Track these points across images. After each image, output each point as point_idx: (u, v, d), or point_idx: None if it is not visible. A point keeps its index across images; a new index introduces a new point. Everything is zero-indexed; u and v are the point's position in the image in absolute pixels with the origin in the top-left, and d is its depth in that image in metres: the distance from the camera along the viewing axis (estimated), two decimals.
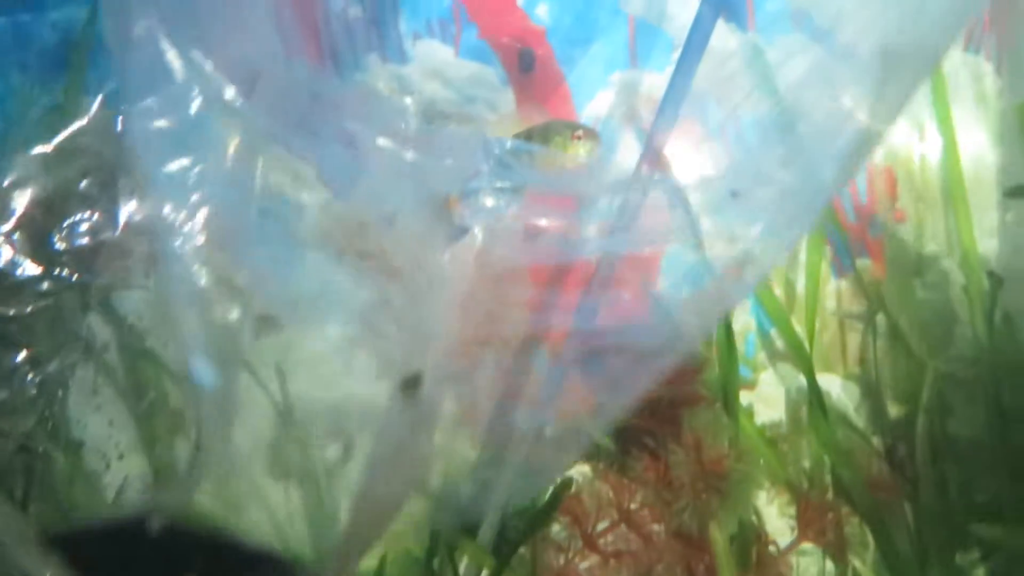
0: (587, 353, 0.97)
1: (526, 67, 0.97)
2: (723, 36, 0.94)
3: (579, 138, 0.81)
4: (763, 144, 0.92)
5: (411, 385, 0.79)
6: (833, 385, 0.98)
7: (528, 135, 0.83)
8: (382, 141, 0.68)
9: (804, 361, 0.91)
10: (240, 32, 0.69)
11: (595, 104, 1.00)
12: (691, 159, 0.97)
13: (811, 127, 0.91)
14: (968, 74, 0.95)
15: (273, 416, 0.96)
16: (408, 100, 0.93)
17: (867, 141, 0.87)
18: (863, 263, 0.98)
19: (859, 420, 0.98)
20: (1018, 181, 0.82)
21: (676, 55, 0.95)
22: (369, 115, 0.69)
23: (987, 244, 0.95)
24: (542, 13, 0.98)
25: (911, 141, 0.97)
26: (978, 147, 0.94)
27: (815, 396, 0.89)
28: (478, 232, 0.71)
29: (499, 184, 0.65)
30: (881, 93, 0.88)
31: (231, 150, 0.85)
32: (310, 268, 1.01)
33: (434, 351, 0.91)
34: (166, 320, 0.93)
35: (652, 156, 0.84)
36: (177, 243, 0.86)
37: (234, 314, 0.87)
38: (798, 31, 0.93)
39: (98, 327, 0.99)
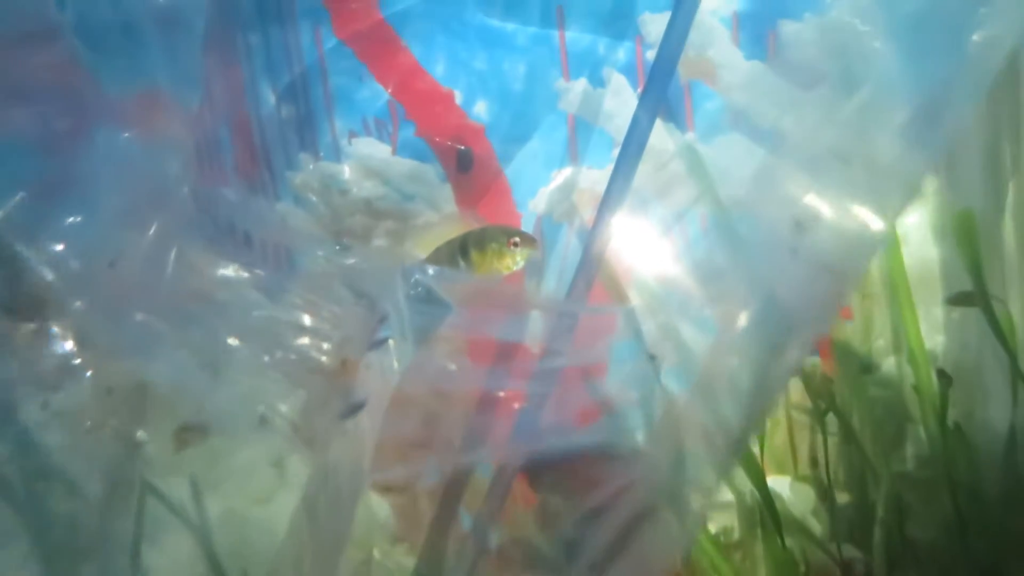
0: (533, 458, 0.93)
1: (464, 167, 0.95)
2: (662, 136, 0.93)
3: (515, 245, 0.79)
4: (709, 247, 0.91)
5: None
6: (785, 488, 0.95)
7: (464, 241, 0.81)
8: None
9: (754, 468, 0.88)
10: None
11: (536, 201, 0.98)
12: (637, 259, 0.95)
13: (753, 228, 0.90)
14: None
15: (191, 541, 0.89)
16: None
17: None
18: (812, 361, 0.96)
19: (814, 523, 0.95)
20: (960, 284, 0.81)
21: (616, 152, 0.94)
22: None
23: (935, 340, 0.94)
24: (481, 111, 0.97)
25: None
26: (921, 242, 0.94)
27: (767, 506, 0.86)
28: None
29: (418, 315, 0.62)
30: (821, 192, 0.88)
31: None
32: (238, 372, 0.96)
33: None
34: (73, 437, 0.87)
35: (590, 266, 0.82)
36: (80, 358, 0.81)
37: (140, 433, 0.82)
38: (736, 131, 0.92)
39: None
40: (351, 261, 0.70)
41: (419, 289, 0.65)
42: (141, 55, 0.66)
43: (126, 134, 0.63)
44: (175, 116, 0.67)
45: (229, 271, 0.81)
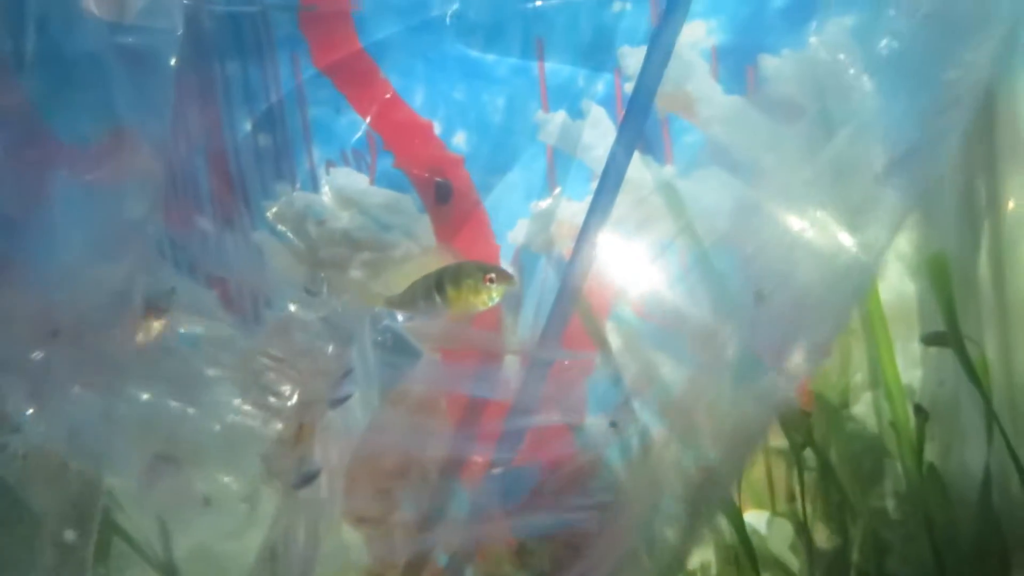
0: (509, 492, 0.92)
1: (443, 199, 0.95)
2: (642, 168, 0.93)
3: (491, 281, 0.78)
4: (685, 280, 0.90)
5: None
6: (763, 523, 0.94)
7: (440, 277, 0.80)
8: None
9: (730, 504, 0.87)
10: None
11: (515, 232, 0.97)
12: (616, 292, 0.95)
13: (733, 264, 0.90)
14: None
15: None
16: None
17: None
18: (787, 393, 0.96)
19: (792, 559, 0.95)
20: (937, 320, 0.81)
21: (595, 184, 0.94)
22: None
23: (913, 375, 0.94)
24: (460, 142, 0.96)
25: None
26: (898, 277, 0.94)
27: (743, 543, 0.85)
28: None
29: (385, 365, 0.62)
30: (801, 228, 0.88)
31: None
32: (212, 404, 0.95)
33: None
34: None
35: (567, 299, 0.82)
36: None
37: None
38: (715, 165, 0.92)
39: None
40: (319, 307, 0.69)
41: (388, 336, 0.64)
42: (109, 93, 0.66)
43: (87, 179, 0.62)
44: (144, 153, 0.66)
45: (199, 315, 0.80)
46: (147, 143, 0.66)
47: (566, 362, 0.85)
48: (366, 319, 0.65)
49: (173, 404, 0.90)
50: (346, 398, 0.62)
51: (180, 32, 0.67)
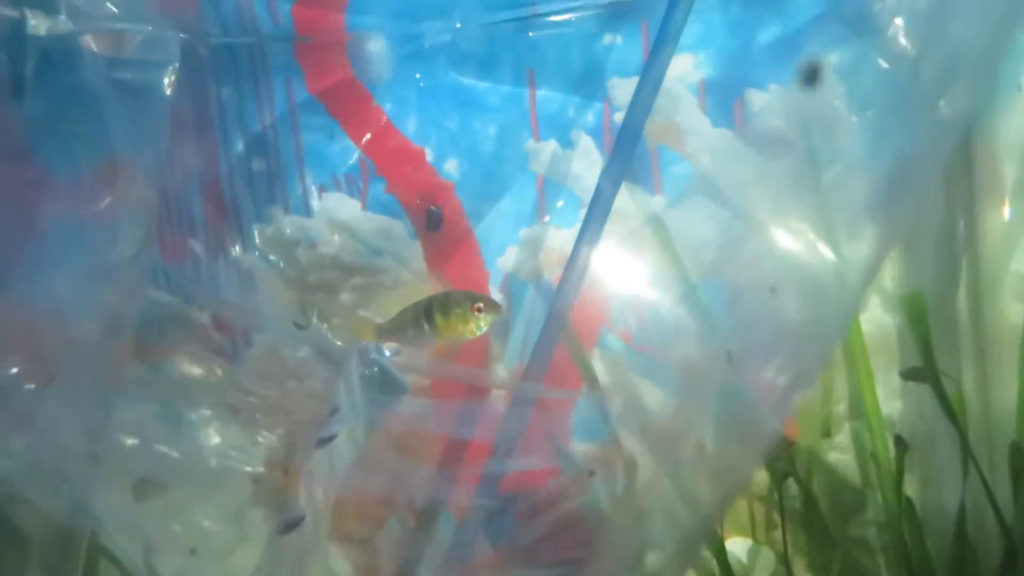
0: (495, 518, 0.93)
1: (433, 226, 0.96)
2: (630, 198, 0.95)
3: (479, 310, 0.79)
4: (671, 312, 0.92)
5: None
6: (744, 551, 0.95)
7: (429, 305, 0.81)
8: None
9: (711, 532, 0.88)
10: None
11: (505, 259, 0.99)
12: (603, 319, 0.96)
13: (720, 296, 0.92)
14: None
15: None
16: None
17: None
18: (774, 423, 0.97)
19: None
20: (917, 353, 0.83)
21: (583, 212, 0.95)
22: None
23: (893, 406, 0.96)
24: (451, 168, 0.98)
25: None
26: (879, 310, 0.95)
27: (723, 571, 0.86)
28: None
29: (372, 402, 0.63)
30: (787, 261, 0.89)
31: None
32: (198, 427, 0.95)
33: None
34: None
35: (554, 327, 0.83)
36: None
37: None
38: (703, 195, 0.94)
39: None
40: (308, 340, 0.70)
41: (375, 371, 0.65)
42: (104, 126, 0.67)
43: (80, 214, 0.64)
44: (138, 184, 0.67)
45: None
46: (141, 175, 0.67)
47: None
48: (354, 353, 0.66)
49: (159, 428, 0.91)
50: (332, 438, 0.63)
51: (176, 64, 0.68)
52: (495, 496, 0.88)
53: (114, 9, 0.64)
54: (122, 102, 0.66)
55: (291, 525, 0.61)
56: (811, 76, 0.81)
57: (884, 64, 0.86)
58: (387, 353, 0.67)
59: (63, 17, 0.63)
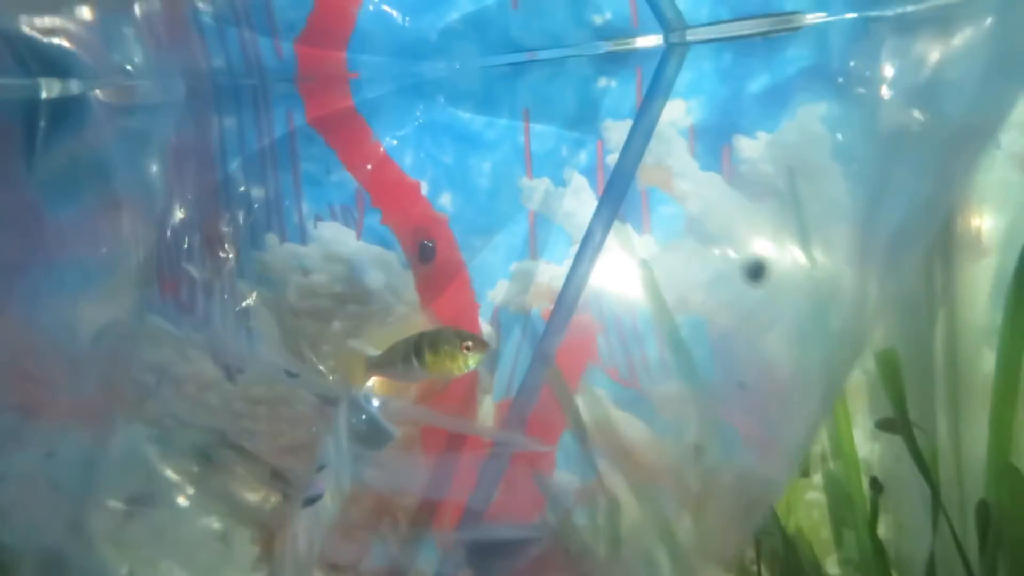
0: (479, 548, 0.94)
1: (426, 259, 0.98)
2: (620, 237, 0.97)
3: (468, 348, 0.81)
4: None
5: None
6: None
7: (419, 341, 0.83)
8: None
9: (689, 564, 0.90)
10: None
11: (495, 292, 1.01)
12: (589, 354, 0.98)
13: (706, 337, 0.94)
14: None
15: None
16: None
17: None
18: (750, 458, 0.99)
19: None
20: (888, 407, 0.85)
21: (573, 249, 0.97)
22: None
23: (871, 447, 0.98)
24: (446, 202, 1.00)
25: None
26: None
27: None
28: None
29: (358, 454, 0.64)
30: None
31: None
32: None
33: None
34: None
35: (541, 364, 0.85)
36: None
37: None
38: (691, 236, 0.96)
39: None
40: (299, 387, 0.72)
41: (363, 421, 0.66)
42: (108, 170, 0.68)
43: (78, 253, 0.65)
44: (138, 218, 0.69)
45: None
46: (142, 215, 0.68)
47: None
48: (344, 402, 0.68)
49: (151, 447, 0.92)
50: (318, 497, 0.64)
51: (181, 105, 0.70)
52: (477, 530, 0.90)
53: (124, 65, 0.66)
54: (126, 147, 0.67)
55: None
56: (755, 273, 0.85)
57: (871, 121, 0.89)
58: (375, 403, 0.69)
59: (75, 81, 0.65)
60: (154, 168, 0.69)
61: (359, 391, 0.69)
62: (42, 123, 0.64)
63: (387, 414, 0.68)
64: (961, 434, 0.83)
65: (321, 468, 0.64)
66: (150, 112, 0.68)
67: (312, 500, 0.64)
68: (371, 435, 0.67)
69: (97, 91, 0.67)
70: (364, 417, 0.67)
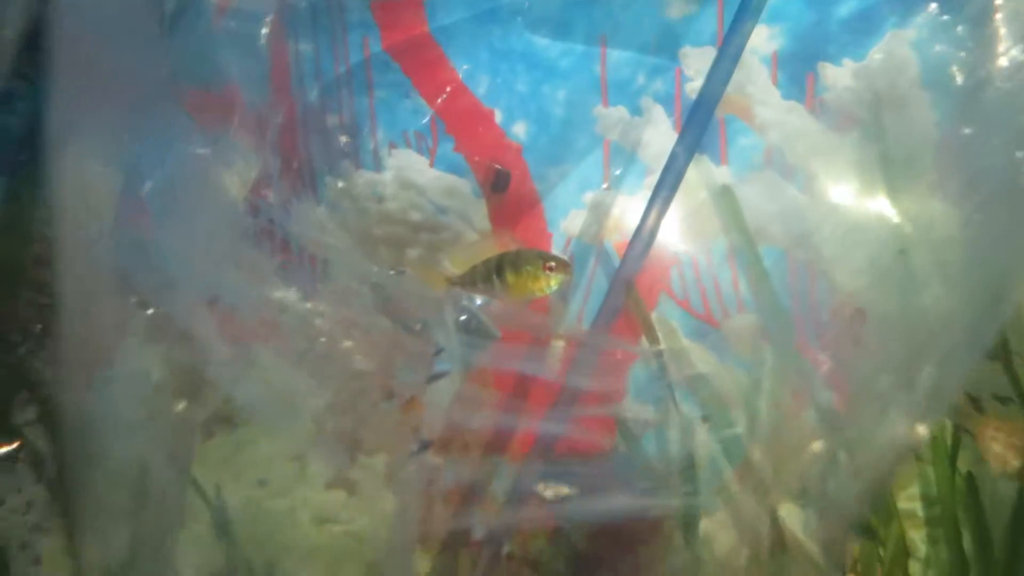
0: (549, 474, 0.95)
1: (500, 187, 0.97)
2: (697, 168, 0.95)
3: (551, 269, 0.81)
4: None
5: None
6: (793, 515, 0.97)
7: (500, 262, 0.83)
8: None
9: (763, 493, 0.90)
10: None
11: (568, 222, 1.00)
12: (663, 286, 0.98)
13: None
14: None
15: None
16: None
17: None
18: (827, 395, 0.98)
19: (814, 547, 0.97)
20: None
21: (649, 180, 0.96)
22: None
23: None
24: (519, 131, 0.99)
25: None
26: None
27: (775, 531, 0.88)
28: None
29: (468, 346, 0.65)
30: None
31: None
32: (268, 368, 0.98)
33: None
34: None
35: (617, 294, 0.84)
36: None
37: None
38: (770, 168, 0.94)
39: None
40: (399, 287, 0.72)
41: (467, 317, 0.67)
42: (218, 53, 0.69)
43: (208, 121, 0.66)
44: (247, 118, 0.70)
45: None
46: (250, 108, 0.69)
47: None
48: (448, 300, 0.68)
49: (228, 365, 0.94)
50: (443, 375, 0.65)
51: (272, 16, 0.70)
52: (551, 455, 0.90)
53: None
54: (231, 48, 0.68)
55: (423, 447, 0.65)
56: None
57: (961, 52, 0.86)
58: (477, 301, 0.69)
59: None
60: (255, 71, 0.70)
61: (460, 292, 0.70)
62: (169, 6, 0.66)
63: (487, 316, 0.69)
64: None
65: (439, 351, 0.65)
66: (246, 17, 0.69)
67: (437, 378, 0.65)
68: (478, 331, 0.68)
69: None
70: (467, 317, 0.67)
